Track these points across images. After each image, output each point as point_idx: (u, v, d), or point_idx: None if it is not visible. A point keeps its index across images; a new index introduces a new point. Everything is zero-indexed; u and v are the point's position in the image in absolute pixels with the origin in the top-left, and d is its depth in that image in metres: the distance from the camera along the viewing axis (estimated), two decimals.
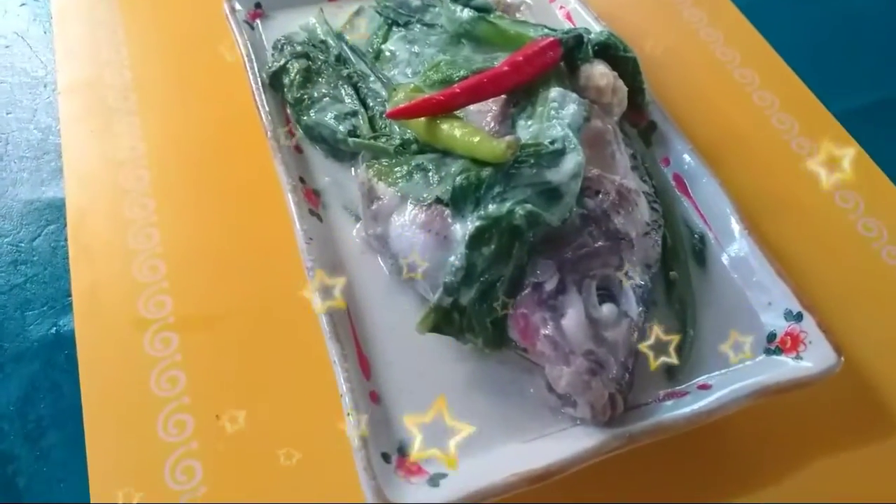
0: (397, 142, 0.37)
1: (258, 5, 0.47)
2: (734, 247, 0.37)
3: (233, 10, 0.45)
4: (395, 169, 0.36)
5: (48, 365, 0.36)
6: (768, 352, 0.34)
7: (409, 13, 0.46)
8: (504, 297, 0.31)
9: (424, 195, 0.33)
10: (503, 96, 0.37)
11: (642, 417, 0.31)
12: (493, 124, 0.37)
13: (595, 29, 0.45)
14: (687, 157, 0.40)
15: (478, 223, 0.31)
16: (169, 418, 0.34)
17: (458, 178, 0.32)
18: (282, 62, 0.42)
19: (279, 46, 0.43)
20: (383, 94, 0.40)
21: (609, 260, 0.32)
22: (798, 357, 0.33)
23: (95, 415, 0.34)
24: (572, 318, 0.31)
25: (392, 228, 0.34)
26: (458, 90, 0.35)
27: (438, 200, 0.33)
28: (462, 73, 0.39)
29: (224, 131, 0.44)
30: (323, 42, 0.44)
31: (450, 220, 0.32)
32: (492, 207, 0.31)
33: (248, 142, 0.42)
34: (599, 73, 0.39)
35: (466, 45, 0.43)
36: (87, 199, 0.41)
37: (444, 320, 0.32)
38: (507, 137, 0.32)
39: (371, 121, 0.39)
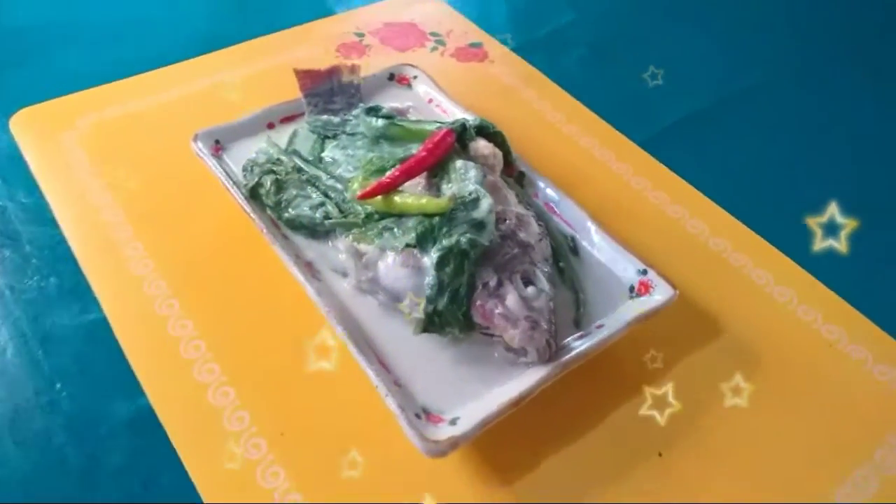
0: (363, 216, 0.53)
1: (217, 142, 0.62)
2: (593, 239, 0.56)
3: (200, 149, 0.59)
4: (368, 233, 0.51)
5: (133, 426, 0.48)
6: (632, 298, 0.53)
7: (334, 128, 0.63)
8: (465, 297, 0.48)
9: (396, 244, 0.49)
10: (425, 173, 0.55)
11: (568, 352, 0.48)
12: (423, 191, 0.54)
13: (464, 116, 0.64)
14: (549, 190, 0.59)
15: (439, 253, 0.47)
16: (248, 441, 0.47)
17: (418, 228, 0.49)
18: (256, 179, 0.57)
19: (249, 168, 0.58)
20: (338, 186, 0.56)
21: (523, 259, 0.50)
22: (651, 296, 0.52)
23: (188, 452, 0.46)
24: (511, 300, 0.47)
25: (380, 272, 0.50)
26: (398, 173, 0.52)
27: (408, 245, 0.49)
28: (390, 162, 0.56)
29: (222, 237, 0.58)
30: (279, 159, 0.59)
31: (419, 256, 0.48)
32: (445, 241, 0.48)
33: (242, 239, 0.57)
34: (483, 146, 0.57)
35: (384, 143, 0.60)
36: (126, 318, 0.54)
37: (430, 323, 0.48)
38: (447, 194, 0.49)
39: (337, 206, 0.55)
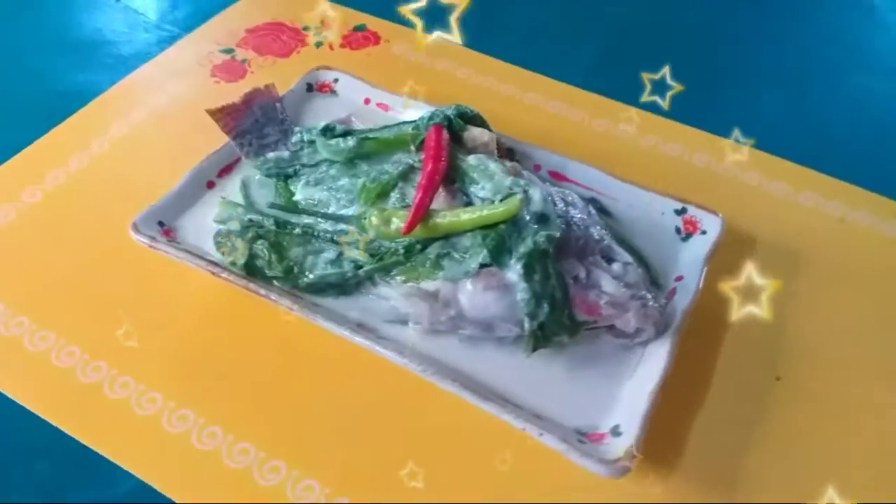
0: (402, 251, 0.45)
1: (161, 223, 0.50)
2: (616, 193, 0.54)
3: (151, 241, 0.47)
4: (420, 268, 0.45)
5: None
6: (683, 239, 0.51)
7: (289, 164, 0.53)
8: (563, 299, 0.43)
9: (468, 269, 0.43)
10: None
11: (673, 315, 0.45)
12: (446, 202, 0.47)
13: (420, 108, 0.58)
14: (551, 157, 0.55)
15: (522, 262, 0.42)
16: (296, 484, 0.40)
17: (488, 243, 0.43)
18: (247, 252, 0.47)
19: (225, 242, 0.47)
20: (343, 227, 0.48)
21: (592, 238, 0.46)
22: (702, 231, 0.51)
23: None
24: (609, 285, 0.44)
25: (462, 305, 0.43)
26: (422, 193, 0.45)
27: (481, 265, 0.43)
28: (391, 182, 0.48)
29: (221, 332, 0.48)
30: (251, 220, 0.49)
31: (500, 273, 0.43)
32: (521, 248, 0.43)
33: (248, 325, 0.48)
34: (479, 132, 0.51)
35: (361, 162, 0.52)
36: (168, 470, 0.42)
37: (536, 339, 0.43)
38: (517, 195, 0.43)
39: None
